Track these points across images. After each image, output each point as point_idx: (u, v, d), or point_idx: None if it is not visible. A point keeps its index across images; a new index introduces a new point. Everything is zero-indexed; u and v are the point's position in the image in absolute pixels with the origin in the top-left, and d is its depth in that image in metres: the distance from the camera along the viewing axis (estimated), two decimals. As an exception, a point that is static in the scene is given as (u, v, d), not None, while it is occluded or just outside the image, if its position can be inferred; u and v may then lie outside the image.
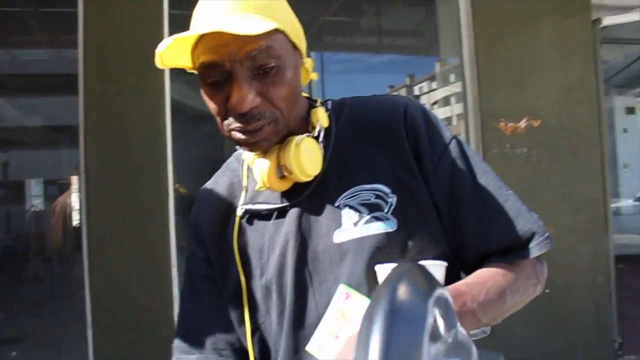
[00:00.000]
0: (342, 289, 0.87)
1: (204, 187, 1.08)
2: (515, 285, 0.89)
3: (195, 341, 0.99)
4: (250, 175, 0.98)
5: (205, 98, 0.89)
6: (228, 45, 0.82)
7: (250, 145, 0.90)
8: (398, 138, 0.93)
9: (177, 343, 1.02)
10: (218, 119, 0.90)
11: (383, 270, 0.84)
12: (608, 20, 4.49)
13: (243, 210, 0.97)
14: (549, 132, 4.02)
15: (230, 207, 1.00)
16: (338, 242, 0.89)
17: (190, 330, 1.02)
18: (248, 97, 0.84)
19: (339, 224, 0.90)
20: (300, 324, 0.90)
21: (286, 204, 0.94)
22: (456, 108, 4.25)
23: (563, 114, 4.12)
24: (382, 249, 0.88)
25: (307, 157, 0.89)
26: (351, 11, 5.24)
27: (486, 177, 0.93)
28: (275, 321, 0.93)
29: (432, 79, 9.51)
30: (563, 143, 4.07)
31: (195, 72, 0.90)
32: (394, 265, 0.77)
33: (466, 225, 0.92)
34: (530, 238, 0.90)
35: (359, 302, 0.84)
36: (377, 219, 0.89)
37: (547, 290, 1.09)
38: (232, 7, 0.85)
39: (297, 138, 0.89)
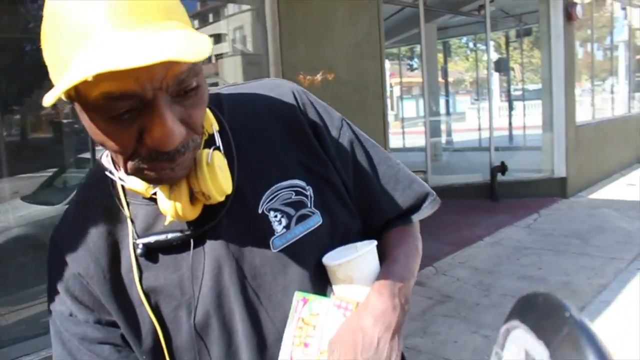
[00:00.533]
0: (297, 297, 0.83)
1: (62, 227, 0.86)
2: (418, 243, 0.98)
3: None
4: (132, 202, 0.82)
5: (102, 135, 0.68)
6: (150, 69, 0.61)
7: (166, 182, 0.75)
8: (300, 128, 0.89)
9: None
10: (119, 157, 0.71)
11: (330, 262, 0.84)
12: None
13: (141, 246, 0.80)
14: (341, 86, 4.35)
15: (115, 246, 0.83)
16: (277, 251, 0.83)
17: None
18: (174, 131, 0.67)
19: (271, 232, 0.83)
20: (262, 347, 0.82)
21: (202, 227, 0.81)
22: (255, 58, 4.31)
23: (352, 69, 4.49)
24: (319, 244, 0.86)
25: (220, 175, 0.76)
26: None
27: (376, 151, 0.96)
28: (222, 357, 0.83)
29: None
30: (353, 96, 4.46)
31: (72, 101, 0.68)
32: (337, 253, 0.86)
33: (372, 197, 0.94)
34: (424, 199, 0.98)
35: (319, 304, 0.82)
36: (306, 215, 0.86)
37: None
38: (143, 13, 0.63)
39: (205, 156, 0.75)
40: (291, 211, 0.85)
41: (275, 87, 0.92)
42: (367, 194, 0.94)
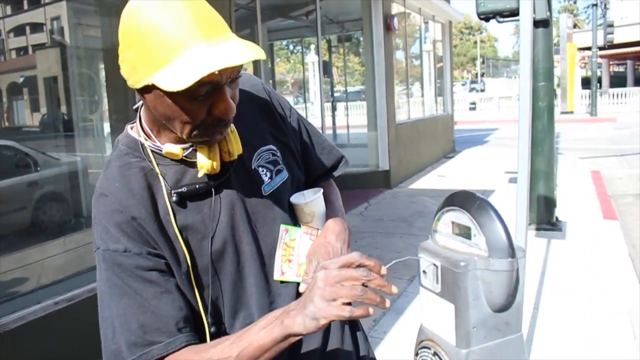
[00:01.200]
0: (282, 227, 1.16)
1: (107, 184, 1.07)
2: (338, 191, 1.38)
3: (157, 330, 1.01)
4: (161, 164, 1.06)
5: (180, 111, 0.94)
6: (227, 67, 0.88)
7: (211, 142, 1.02)
8: (268, 109, 1.21)
9: (127, 339, 1.00)
10: (187, 125, 0.96)
11: (300, 201, 1.19)
12: None
13: (175, 195, 1.04)
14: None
15: (153, 197, 1.05)
16: (266, 194, 1.14)
17: (143, 325, 1.01)
18: (233, 105, 0.96)
19: (261, 181, 1.14)
20: (262, 262, 1.13)
21: (218, 180, 1.07)
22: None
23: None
24: (287, 190, 1.19)
25: (238, 140, 1.06)
26: None
27: (311, 127, 1.33)
28: (233, 274, 1.09)
29: None
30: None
31: (150, 89, 0.93)
32: (296, 197, 1.20)
33: (310, 159, 1.30)
34: (340, 161, 1.36)
35: (294, 232, 1.16)
36: (280, 170, 1.18)
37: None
38: (214, 27, 0.91)
39: (231, 126, 1.03)
40: (271, 167, 1.17)
41: (249, 79, 1.22)
42: (307, 156, 1.29)
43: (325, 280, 0.88)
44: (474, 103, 36.16)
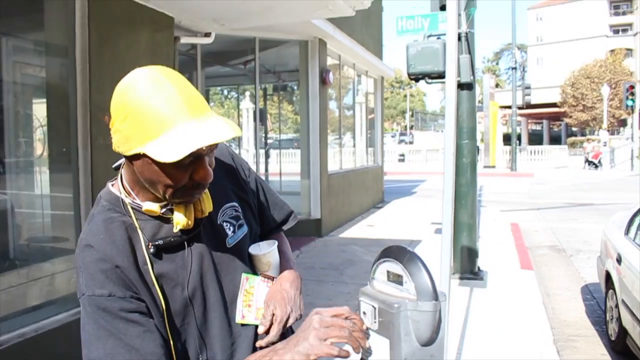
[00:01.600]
0: (243, 276, 1.30)
1: (92, 236, 1.17)
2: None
3: None
4: (139, 219, 1.19)
5: (165, 176, 1.09)
6: None
7: (189, 202, 1.17)
8: (232, 171, 1.37)
9: None
10: (169, 188, 1.11)
11: (258, 252, 1.34)
12: (185, 40, 5.46)
13: (152, 248, 1.18)
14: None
15: (133, 248, 1.17)
16: (230, 247, 1.29)
17: None
18: (211, 172, 1.13)
19: (225, 234, 1.28)
20: (225, 306, 1.25)
21: (189, 234, 1.21)
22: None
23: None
24: (247, 242, 1.33)
25: (210, 200, 1.23)
26: None
27: (266, 186, 1.50)
28: (200, 318, 1.22)
29: None
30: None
31: (140, 157, 1.08)
32: (253, 248, 1.34)
33: (264, 214, 1.46)
34: (289, 215, 1.54)
35: (253, 280, 1.31)
36: (241, 225, 1.33)
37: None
38: (199, 107, 1.07)
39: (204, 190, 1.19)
40: (234, 222, 1.32)
41: (218, 146, 1.40)
42: (262, 212, 1.46)
43: (320, 323, 1.05)
44: (402, 155, 37.45)
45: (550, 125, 50.57)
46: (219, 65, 10.99)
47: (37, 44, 4.41)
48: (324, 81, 9.37)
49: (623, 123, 40.03)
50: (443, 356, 1.11)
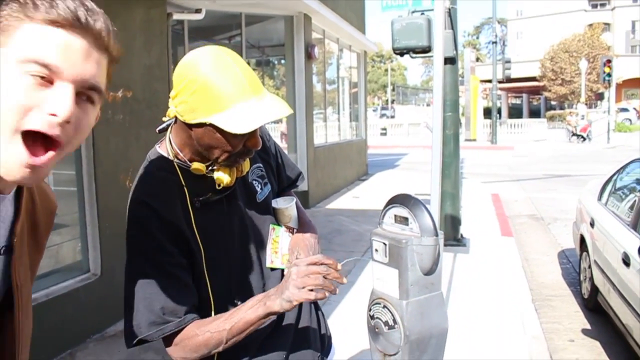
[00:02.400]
0: (270, 227, 1.49)
1: (145, 193, 1.34)
2: None
3: (172, 313, 1.28)
4: (185, 176, 1.36)
5: (225, 142, 1.27)
6: None
7: (237, 165, 1.37)
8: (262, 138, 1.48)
9: (147, 319, 1.27)
10: (225, 153, 1.29)
11: (282, 206, 1.52)
12: (176, 16, 5.58)
13: (197, 202, 1.35)
14: (137, 103, 4.83)
15: (180, 203, 1.34)
16: (259, 202, 1.48)
17: (163, 307, 1.28)
18: (260, 141, 1.34)
19: (255, 191, 1.48)
20: (257, 254, 1.45)
21: (227, 191, 1.40)
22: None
23: (146, 89, 5.00)
24: (271, 198, 1.53)
25: (248, 161, 1.42)
26: None
27: (279, 147, 1.65)
28: (236, 263, 1.41)
29: None
30: (146, 112, 4.96)
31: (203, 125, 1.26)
32: (276, 201, 1.53)
33: (281, 173, 1.63)
34: (299, 175, 1.71)
35: (278, 231, 1.49)
36: (266, 183, 1.52)
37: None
38: (257, 85, 1.26)
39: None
40: (260, 180, 1.52)
41: None
42: (279, 172, 1.64)
43: (297, 274, 1.25)
44: (384, 129, 37.70)
45: (530, 99, 51.12)
46: (204, 40, 11.04)
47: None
48: (309, 56, 9.52)
49: (600, 97, 40.61)
50: (440, 285, 1.35)
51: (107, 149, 4.47)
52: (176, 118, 1.32)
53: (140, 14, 4.90)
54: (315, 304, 1.64)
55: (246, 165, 1.42)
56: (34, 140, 0.79)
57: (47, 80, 0.79)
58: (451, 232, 6.74)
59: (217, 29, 10.40)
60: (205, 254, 1.37)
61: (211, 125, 1.24)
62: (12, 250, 0.90)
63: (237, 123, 1.21)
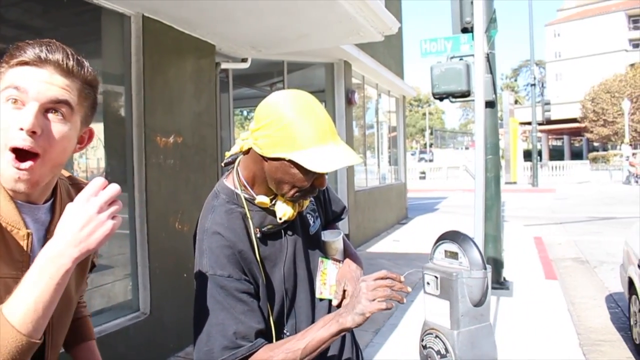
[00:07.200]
0: (320, 259, 1.57)
1: (218, 225, 1.42)
2: None
3: (244, 337, 1.35)
4: (250, 209, 1.46)
5: (298, 178, 1.37)
6: None
7: (303, 200, 1.48)
8: None
9: (221, 344, 1.34)
10: (294, 188, 1.40)
11: (330, 239, 1.60)
12: (224, 65, 5.86)
13: (259, 234, 1.45)
14: (187, 148, 5.04)
15: (246, 234, 1.43)
16: (312, 234, 1.58)
17: (236, 332, 1.35)
18: (327, 181, 1.44)
19: (309, 224, 1.58)
20: (310, 284, 1.54)
21: (286, 224, 1.50)
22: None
23: (195, 134, 5.22)
24: (320, 231, 1.62)
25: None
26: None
27: (330, 188, 1.75)
28: (291, 292, 1.49)
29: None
30: (195, 157, 5.17)
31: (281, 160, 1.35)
32: (327, 234, 1.62)
33: (328, 207, 1.74)
34: (344, 209, 1.82)
35: (326, 263, 1.57)
36: (317, 216, 1.62)
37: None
38: (334, 133, 1.38)
39: None
40: (313, 214, 1.63)
41: None
42: (325, 206, 1.75)
43: (367, 288, 1.34)
44: (423, 172, 37.62)
45: (571, 141, 50.44)
46: (247, 87, 11.40)
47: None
48: (349, 101, 9.72)
49: (645, 137, 39.77)
50: (489, 316, 1.42)
51: (158, 192, 4.67)
52: (249, 150, 1.43)
53: (191, 64, 5.16)
54: (354, 339, 1.71)
55: (306, 201, 1.52)
56: (20, 154, 1.03)
57: (21, 103, 1.04)
58: (494, 275, 6.67)
59: (260, 76, 10.73)
60: (267, 284, 1.46)
61: (290, 161, 1.34)
62: None
63: (318, 162, 1.31)
